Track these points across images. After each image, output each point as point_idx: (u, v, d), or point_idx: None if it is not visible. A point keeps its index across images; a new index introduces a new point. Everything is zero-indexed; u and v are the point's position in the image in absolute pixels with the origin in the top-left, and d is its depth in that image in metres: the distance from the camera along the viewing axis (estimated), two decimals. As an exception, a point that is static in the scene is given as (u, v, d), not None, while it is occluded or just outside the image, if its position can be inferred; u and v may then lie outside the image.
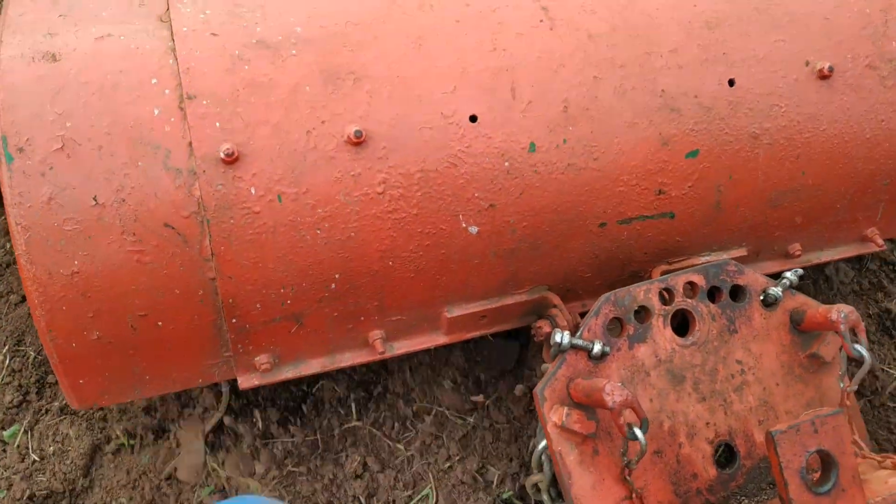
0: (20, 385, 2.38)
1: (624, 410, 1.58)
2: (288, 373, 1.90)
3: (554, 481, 1.95)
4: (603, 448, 1.73)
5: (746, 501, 1.76)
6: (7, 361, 2.42)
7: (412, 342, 1.99)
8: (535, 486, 1.99)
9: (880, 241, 2.31)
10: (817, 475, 1.61)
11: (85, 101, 1.61)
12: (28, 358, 2.44)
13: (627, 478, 1.66)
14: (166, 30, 1.73)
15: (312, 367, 1.92)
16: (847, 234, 2.30)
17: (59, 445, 2.26)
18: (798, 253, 2.25)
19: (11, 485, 2.18)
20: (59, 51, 1.66)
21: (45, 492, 2.18)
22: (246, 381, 1.87)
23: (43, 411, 2.34)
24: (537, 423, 1.92)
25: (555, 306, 1.98)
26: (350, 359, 1.94)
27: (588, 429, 1.69)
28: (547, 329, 1.97)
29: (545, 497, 2.01)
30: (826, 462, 1.55)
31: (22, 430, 2.28)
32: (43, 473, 2.21)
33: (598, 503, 1.68)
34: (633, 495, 1.67)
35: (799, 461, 1.51)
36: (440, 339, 2.00)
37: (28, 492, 2.16)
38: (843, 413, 1.57)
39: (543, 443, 1.87)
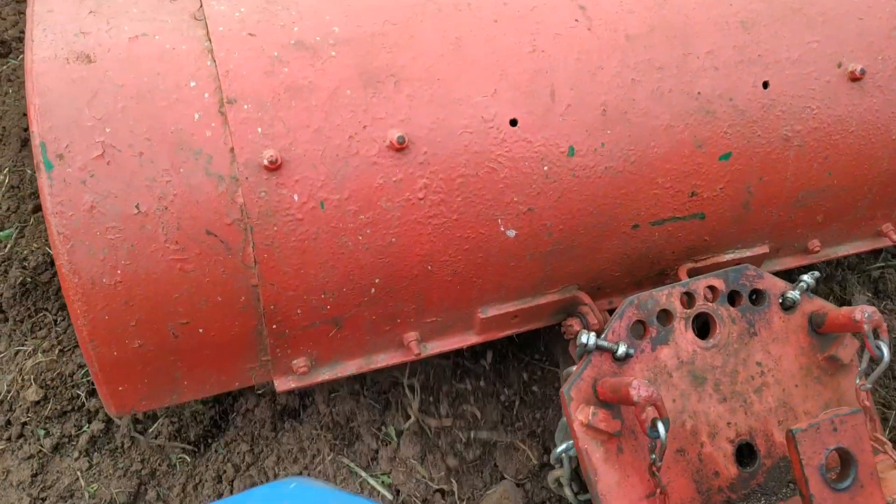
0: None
1: (647, 407, 1.62)
2: (325, 375, 1.90)
3: (574, 475, 1.99)
4: (627, 446, 1.76)
5: (766, 499, 1.81)
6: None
7: (445, 342, 2.00)
8: (557, 480, 2.03)
9: (894, 237, 2.35)
10: (836, 473, 1.66)
11: (123, 105, 1.56)
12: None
13: (656, 473, 1.70)
14: (201, 28, 1.68)
15: (349, 368, 1.92)
16: (864, 229, 2.33)
17: None
18: (817, 249, 2.29)
19: None
20: (93, 51, 1.61)
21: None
22: (283, 384, 1.87)
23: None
24: (557, 425, 1.95)
25: (585, 304, 2.00)
26: (385, 360, 1.95)
27: (613, 427, 1.72)
28: (577, 327, 1.99)
29: (567, 491, 2.05)
30: (845, 459, 1.60)
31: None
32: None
33: (623, 499, 1.72)
34: (658, 491, 1.71)
35: (819, 458, 1.56)
36: (472, 339, 2.01)
37: None
38: (862, 412, 1.61)
39: (563, 445, 1.90)
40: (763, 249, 2.18)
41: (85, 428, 2.35)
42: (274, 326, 1.74)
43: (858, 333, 1.84)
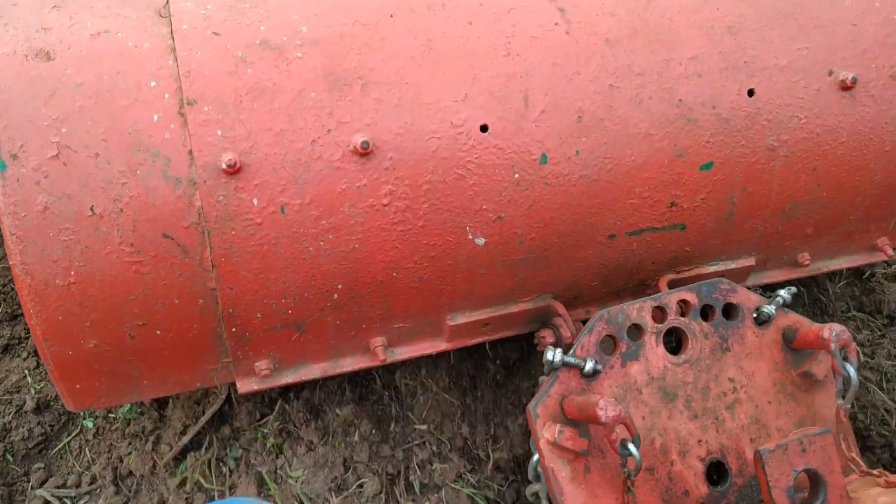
0: None
1: (616, 426, 1.58)
2: (288, 377, 1.88)
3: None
4: (595, 465, 1.72)
5: (740, 520, 1.77)
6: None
7: (413, 348, 1.97)
8: (535, 494, 1.99)
9: (890, 252, 2.28)
10: (806, 494, 1.61)
11: (80, 104, 1.54)
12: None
13: (631, 488, 1.66)
14: (165, 26, 1.65)
15: (313, 371, 1.90)
16: (857, 243, 2.26)
17: None
18: (807, 262, 2.22)
19: None
20: (54, 48, 1.58)
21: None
22: (245, 386, 1.85)
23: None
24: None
25: (559, 315, 1.96)
26: (351, 364, 1.92)
27: (580, 446, 1.68)
28: (550, 339, 1.95)
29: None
30: (814, 481, 1.55)
31: None
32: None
33: (592, 521, 1.69)
34: (627, 512, 1.68)
35: (787, 480, 1.52)
36: (441, 346, 1.98)
37: None
38: (831, 433, 1.57)
39: (535, 457, 1.86)
40: (749, 262, 2.12)
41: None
42: (233, 329, 1.71)
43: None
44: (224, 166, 1.55)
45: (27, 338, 2.49)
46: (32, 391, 2.36)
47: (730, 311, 1.89)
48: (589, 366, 1.72)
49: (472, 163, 1.71)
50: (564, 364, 1.72)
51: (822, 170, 1.99)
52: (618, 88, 1.79)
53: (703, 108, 1.84)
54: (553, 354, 1.71)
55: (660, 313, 1.85)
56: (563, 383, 1.74)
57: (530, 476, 1.93)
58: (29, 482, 2.22)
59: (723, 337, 1.86)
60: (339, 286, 1.73)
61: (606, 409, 1.59)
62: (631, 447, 1.61)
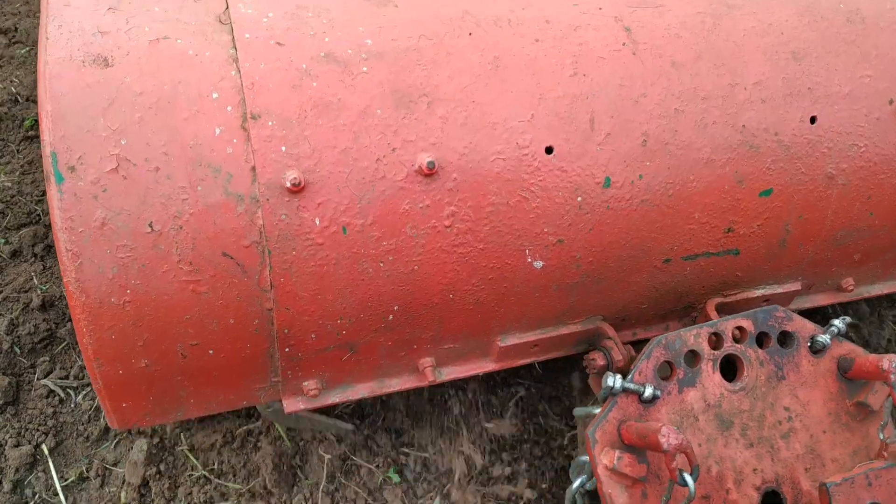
0: None
1: (677, 455, 1.55)
2: (335, 397, 1.84)
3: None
4: (651, 491, 1.70)
5: (792, 552, 1.76)
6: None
7: (461, 369, 1.93)
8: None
9: (931, 278, 2.27)
10: None
11: (140, 115, 1.48)
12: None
13: None
14: (227, 34, 1.59)
15: (360, 391, 1.86)
16: (899, 269, 2.25)
17: None
18: (851, 287, 2.21)
19: None
20: (111, 54, 1.51)
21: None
22: (291, 405, 1.81)
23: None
24: (572, 462, 1.89)
25: (609, 338, 1.93)
26: (398, 384, 1.88)
27: (639, 472, 1.66)
28: (601, 362, 1.92)
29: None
30: None
31: None
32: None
33: (651, 554, 1.67)
34: (677, 543, 1.66)
35: None
36: (489, 366, 1.95)
37: None
38: None
39: (577, 482, 1.84)
40: (795, 286, 2.10)
41: (41, 238, 2.65)
42: (287, 350, 1.67)
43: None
44: (288, 184, 1.50)
45: (33, 245, 2.61)
46: (38, 291, 2.48)
47: (785, 338, 1.87)
48: (648, 392, 1.70)
49: (535, 185, 1.67)
50: (624, 390, 1.69)
51: (875, 198, 1.97)
52: (683, 112, 1.76)
53: (765, 135, 1.81)
54: (613, 380, 1.68)
55: (716, 339, 1.82)
56: (621, 409, 1.72)
57: (567, 501, 1.91)
58: (35, 374, 2.34)
59: (778, 365, 1.84)
60: (395, 308, 1.68)
61: (669, 437, 1.56)
62: (688, 479, 1.58)
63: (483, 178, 1.63)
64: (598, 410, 1.76)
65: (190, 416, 1.80)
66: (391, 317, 1.70)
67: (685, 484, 1.60)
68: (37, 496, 2.17)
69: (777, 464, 1.81)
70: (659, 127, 1.74)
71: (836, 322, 1.90)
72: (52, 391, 2.34)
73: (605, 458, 1.69)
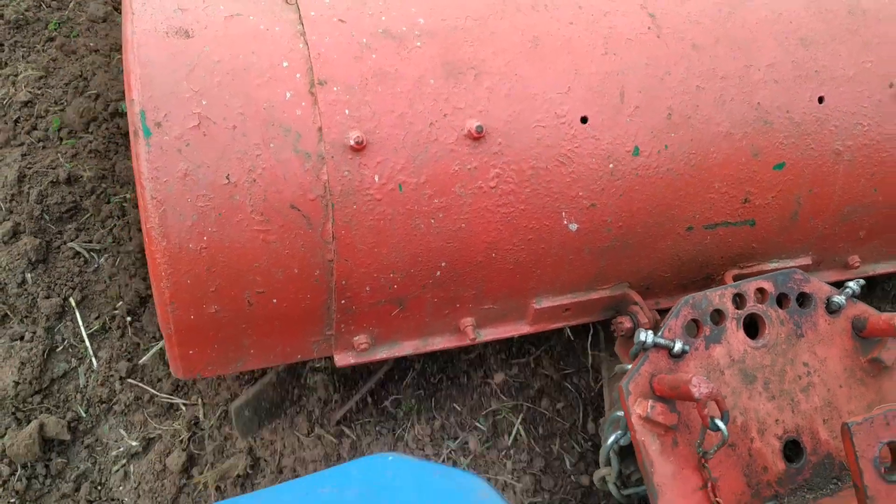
0: None
1: (708, 402, 1.68)
2: (383, 353, 1.96)
3: (620, 475, 2.05)
4: (682, 440, 1.83)
5: (812, 495, 1.88)
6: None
7: (499, 330, 2.06)
8: (603, 478, 2.09)
9: (932, 257, 2.42)
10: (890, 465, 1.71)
11: (219, 80, 1.63)
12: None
13: (706, 465, 1.76)
14: (293, 12, 1.75)
15: (405, 348, 1.98)
16: (902, 248, 2.41)
17: None
18: (857, 264, 2.36)
19: None
20: (191, 27, 1.68)
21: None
22: (342, 360, 1.93)
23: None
24: (603, 423, 2.01)
25: (635, 303, 2.07)
26: (441, 343, 2.01)
27: (671, 420, 1.78)
28: (628, 324, 2.06)
29: (612, 488, 2.10)
30: None
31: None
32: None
33: (678, 490, 1.78)
34: (709, 484, 1.77)
35: (872, 451, 1.61)
36: (524, 329, 2.08)
37: None
38: None
39: (612, 438, 1.96)
40: (806, 261, 2.24)
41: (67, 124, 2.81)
42: (343, 301, 1.80)
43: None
44: (352, 142, 1.65)
45: (60, 128, 2.79)
46: (67, 166, 2.68)
47: (803, 299, 2.01)
48: (678, 346, 1.83)
49: (572, 151, 1.82)
50: (655, 345, 1.83)
51: (879, 176, 2.13)
52: (703, 90, 1.92)
53: (778, 112, 1.98)
54: (645, 335, 1.81)
55: (739, 300, 1.96)
56: (652, 363, 1.85)
57: (601, 461, 2.02)
58: (62, 238, 2.59)
59: (797, 324, 1.98)
60: (443, 264, 1.82)
61: (700, 386, 1.69)
62: (720, 423, 1.71)
63: (525, 143, 1.78)
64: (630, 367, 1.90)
65: (249, 368, 1.92)
66: (439, 273, 1.83)
67: (717, 429, 1.73)
68: (65, 342, 2.44)
69: (797, 415, 1.94)
70: (682, 102, 1.90)
71: (851, 284, 2.05)
72: (77, 253, 2.57)
73: (639, 408, 1.82)
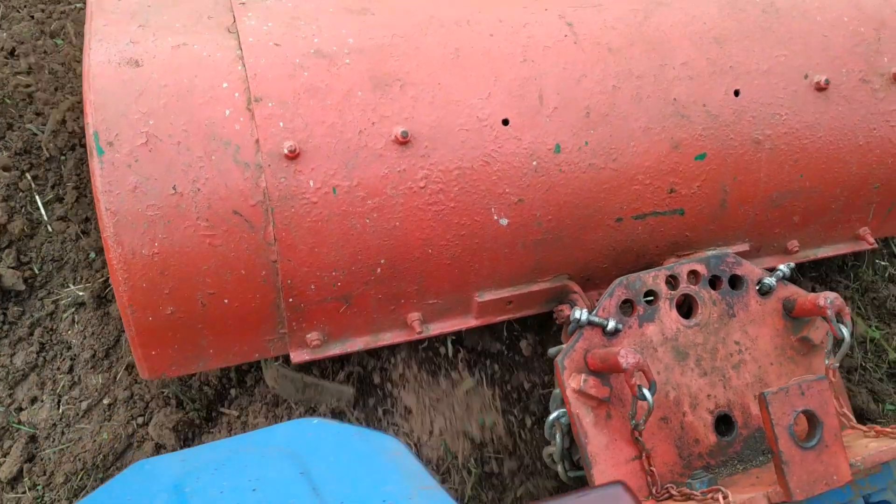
0: None
1: (636, 373, 1.79)
2: (335, 349, 2.11)
3: (566, 452, 2.15)
4: (615, 412, 1.93)
5: (742, 466, 1.96)
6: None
7: (446, 324, 2.19)
8: (551, 456, 2.19)
9: (871, 240, 2.51)
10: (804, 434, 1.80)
11: (165, 102, 1.82)
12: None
13: (638, 438, 1.86)
14: (234, 39, 1.94)
15: (357, 344, 2.12)
16: (841, 233, 2.50)
17: None
18: (796, 249, 2.46)
19: None
20: (141, 57, 1.87)
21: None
22: (297, 356, 2.08)
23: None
24: (549, 396, 2.13)
25: (574, 292, 2.19)
26: (391, 338, 2.15)
27: (603, 393, 1.89)
28: (567, 312, 2.17)
29: (559, 468, 2.21)
30: (811, 421, 1.75)
31: None
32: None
33: (611, 461, 1.89)
34: (643, 455, 1.87)
35: (787, 419, 1.71)
36: (471, 322, 2.21)
37: None
38: (827, 380, 1.77)
39: (554, 414, 2.07)
40: (743, 247, 2.35)
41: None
42: (290, 300, 1.95)
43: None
44: (286, 151, 1.82)
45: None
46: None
47: (735, 281, 2.12)
48: (611, 324, 1.95)
49: (496, 151, 1.97)
50: (590, 323, 1.95)
51: (803, 162, 2.25)
52: (619, 89, 2.07)
53: (694, 106, 2.12)
54: (580, 313, 1.94)
55: (672, 281, 2.08)
56: (587, 340, 1.97)
57: (547, 435, 2.13)
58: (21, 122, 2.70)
59: (729, 304, 2.09)
60: (382, 261, 1.97)
61: (627, 357, 1.81)
62: (646, 392, 1.82)
63: (450, 145, 1.94)
64: (566, 348, 2.02)
65: (210, 367, 2.07)
66: (379, 270, 1.98)
67: (644, 398, 1.84)
68: (23, 209, 2.62)
69: (729, 391, 2.04)
70: (599, 101, 2.05)
71: (782, 266, 2.16)
72: (35, 134, 2.69)
73: (573, 382, 1.94)
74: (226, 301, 1.90)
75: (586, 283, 2.28)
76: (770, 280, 2.13)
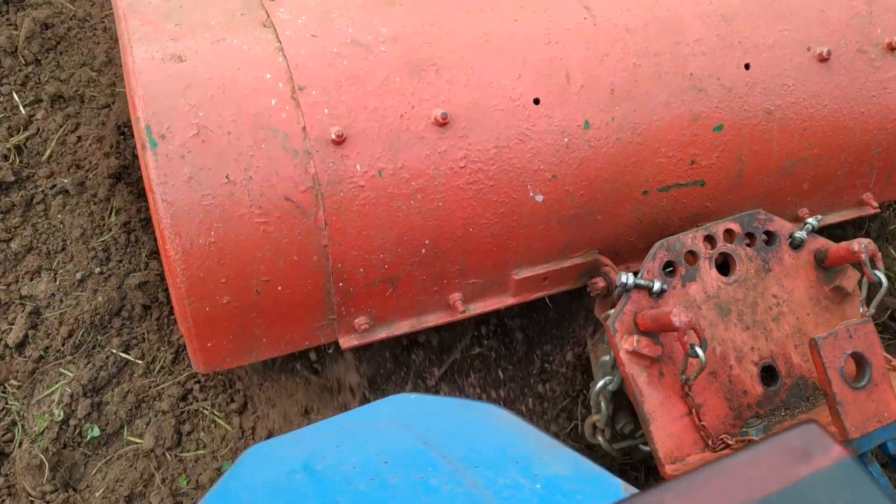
0: None
1: (688, 331, 1.87)
2: (382, 333, 2.14)
3: (609, 420, 2.22)
4: (667, 371, 2.01)
5: (788, 413, 2.05)
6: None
7: (486, 303, 2.25)
8: (593, 425, 2.25)
9: (875, 204, 2.64)
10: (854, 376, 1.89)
11: (211, 94, 1.86)
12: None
13: (689, 393, 1.94)
14: (271, 34, 1.99)
15: (402, 327, 2.17)
16: (847, 198, 2.63)
17: None
18: (806, 216, 2.56)
19: None
20: (183, 53, 1.91)
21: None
22: (346, 342, 2.11)
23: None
24: (599, 363, 2.19)
25: (606, 265, 2.27)
26: (433, 319, 2.19)
27: (656, 352, 1.97)
28: (602, 284, 2.25)
29: (601, 439, 2.27)
30: (860, 362, 1.84)
31: None
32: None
33: (668, 416, 1.95)
34: (693, 410, 1.95)
35: (838, 361, 1.80)
36: (509, 300, 2.26)
37: None
38: (871, 322, 1.86)
39: (602, 381, 2.14)
40: (758, 216, 2.46)
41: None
42: (340, 284, 1.99)
43: (858, 264, 2.12)
44: (333, 137, 1.87)
45: None
46: None
47: (768, 237, 2.23)
48: (657, 286, 2.03)
49: (529, 129, 2.05)
50: (636, 286, 2.03)
51: (810, 130, 2.37)
52: (640, 66, 2.16)
53: (710, 80, 2.22)
54: (627, 277, 2.01)
55: (709, 241, 2.17)
56: (634, 302, 2.04)
57: (592, 404, 2.19)
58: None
59: (764, 260, 2.19)
60: (427, 241, 2.02)
61: (679, 315, 1.89)
62: (698, 350, 1.90)
63: (486, 125, 2.01)
64: (615, 311, 2.08)
65: (262, 358, 2.09)
66: (423, 250, 2.03)
67: (696, 355, 1.92)
68: (6, 111, 2.92)
69: (771, 342, 2.13)
70: (622, 79, 2.14)
71: (810, 220, 2.27)
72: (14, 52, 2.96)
73: (626, 344, 2.00)
74: (279, 288, 1.93)
75: (615, 257, 2.35)
76: (801, 234, 2.23)
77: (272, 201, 1.86)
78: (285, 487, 1.26)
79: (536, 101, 2.06)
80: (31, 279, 2.67)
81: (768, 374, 2.11)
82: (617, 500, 0.98)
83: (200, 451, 2.56)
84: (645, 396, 1.95)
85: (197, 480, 2.49)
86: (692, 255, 2.15)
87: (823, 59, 2.33)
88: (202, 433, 2.57)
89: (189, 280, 1.84)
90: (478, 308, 2.24)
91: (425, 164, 1.96)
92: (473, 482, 1.19)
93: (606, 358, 2.10)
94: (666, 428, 1.94)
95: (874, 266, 2.07)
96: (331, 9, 2.07)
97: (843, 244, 2.16)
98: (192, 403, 2.60)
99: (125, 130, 2.92)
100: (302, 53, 1.95)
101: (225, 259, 1.85)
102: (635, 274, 2.05)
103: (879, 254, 2.07)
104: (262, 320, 1.98)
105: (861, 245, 2.08)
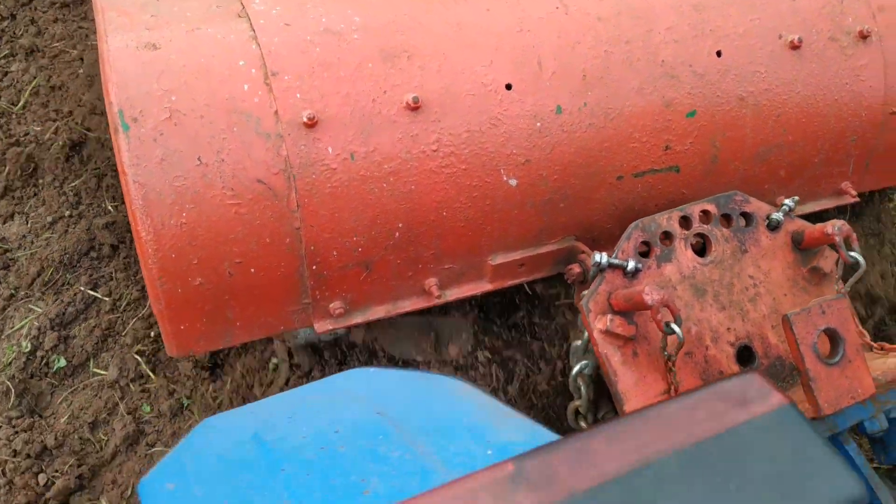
0: None
1: (661, 309, 1.87)
2: (357, 318, 2.15)
3: (591, 405, 2.21)
4: (641, 350, 2.01)
5: (765, 397, 2.04)
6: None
7: (462, 289, 2.25)
8: (576, 411, 2.25)
9: (853, 193, 2.65)
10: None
11: (185, 80, 1.89)
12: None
13: (673, 368, 1.93)
14: (245, 23, 2.03)
15: (378, 312, 2.17)
16: (825, 187, 2.64)
17: None
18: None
19: None
20: (157, 41, 1.95)
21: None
22: (321, 326, 2.12)
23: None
24: (570, 349, 2.19)
25: (583, 252, 2.28)
26: (409, 305, 2.20)
27: (629, 331, 1.97)
28: (578, 269, 2.25)
29: (583, 425, 2.26)
30: (833, 339, 1.84)
31: None
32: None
33: (641, 397, 1.95)
34: (671, 388, 1.94)
35: (811, 337, 1.80)
36: (486, 286, 2.27)
37: None
38: (845, 298, 1.86)
39: (578, 366, 2.14)
40: (735, 204, 2.47)
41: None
42: (314, 267, 2.00)
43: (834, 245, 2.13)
44: (304, 120, 1.90)
45: None
46: None
47: (745, 218, 2.23)
48: (631, 265, 2.04)
49: (501, 114, 2.07)
50: (610, 265, 2.03)
51: (784, 116, 2.39)
52: (611, 53, 2.19)
53: (682, 67, 2.25)
54: (600, 257, 2.02)
55: (685, 222, 2.18)
56: (608, 282, 2.05)
57: (571, 389, 2.19)
58: None
59: (741, 241, 2.20)
60: (400, 225, 2.04)
61: (652, 294, 1.89)
62: (674, 326, 1.90)
63: (458, 110, 2.04)
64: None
65: (236, 342, 2.10)
66: (397, 234, 2.05)
67: (672, 332, 1.92)
68: None
69: (747, 323, 2.13)
70: (594, 65, 2.17)
71: (787, 201, 2.27)
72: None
73: (599, 323, 2.01)
74: (252, 270, 1.95)
75: (593, 244, 2.35)
76: (777, 215, 2.24)
77: (244, 183, 1.88)
78: (234, 458, 1.27)
79: (508, 87, 2.09)
80: (4, 223, 2.80)
81: (745, 354, 2.11)
82: (547, 443, 0.98)
83: (163, 382, 2.65)
84: (619, 376, 1.95)
85: (159, 409, 2.56)
86: (667, 236, 2.15)
87: (795, 47, 2.36)
88: (165, 367, 2.65)
89: (161, 261, 1.85)
90: (454, 294, 2.24)
91: (397, 147, 1.98)
92: (424, 450, 1.19)
93: (578, 343, 2.11)
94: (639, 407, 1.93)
95: (849, 248, 2.07)
96: (304, 0, 2.11)
97: (819, 226, 2.17)
98: (156, 341, 2.69)
99: (96, 81, 3.05)
100: (275, 41, 1.98)
101: (197, 240, 1.87)
102: (609, 255, 2.06)
103: (854, 234, 2.08)
104: (235, 302, 1.99)
105: (835, 227, 2.09)
